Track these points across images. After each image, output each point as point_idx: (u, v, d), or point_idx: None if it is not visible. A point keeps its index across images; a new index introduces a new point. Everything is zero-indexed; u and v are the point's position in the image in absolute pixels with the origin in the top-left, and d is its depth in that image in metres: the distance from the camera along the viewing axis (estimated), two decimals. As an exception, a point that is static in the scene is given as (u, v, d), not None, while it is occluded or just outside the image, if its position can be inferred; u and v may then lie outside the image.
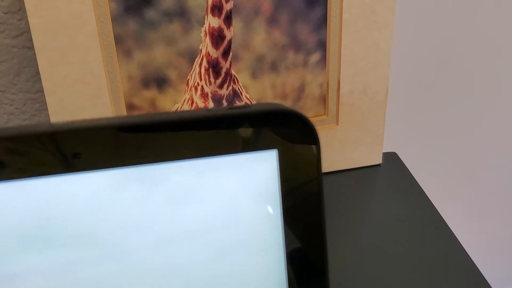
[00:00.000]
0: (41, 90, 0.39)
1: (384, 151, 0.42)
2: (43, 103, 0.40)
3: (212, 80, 0.36)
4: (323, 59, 0.38)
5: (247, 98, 0.37)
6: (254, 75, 0.37)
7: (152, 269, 0.19)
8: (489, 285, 0.32)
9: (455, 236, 0.35)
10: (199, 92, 0.36)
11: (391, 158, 0.43)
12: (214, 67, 0.36)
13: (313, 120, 0.39)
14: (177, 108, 0.36)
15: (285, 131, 0.19)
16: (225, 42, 0.35)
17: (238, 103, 0.37)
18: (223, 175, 0.19)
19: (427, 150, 0.58)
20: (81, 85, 0.34)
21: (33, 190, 0.18)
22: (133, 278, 0.19)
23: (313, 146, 0.20)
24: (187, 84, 0.36)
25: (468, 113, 0.56)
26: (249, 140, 0.19)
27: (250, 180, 0.19)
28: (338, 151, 0.40)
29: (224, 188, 0.19)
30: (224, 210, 0.20)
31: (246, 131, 0.19)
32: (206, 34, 0.35)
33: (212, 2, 0.34)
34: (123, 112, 0.36)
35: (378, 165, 0.41)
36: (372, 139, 0.40)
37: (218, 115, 0.19)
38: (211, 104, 0.37)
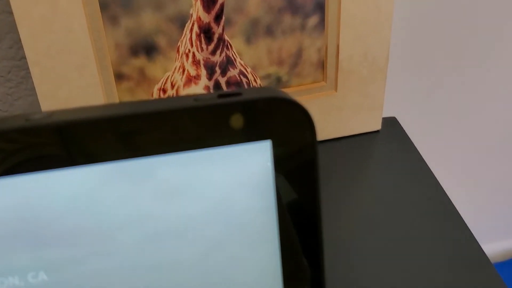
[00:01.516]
0: (26, 57, 0.38)
1: (383, 116, 0.41)
2: (29, 70, 0.38)
3: (204, 46, 0.34)
4: (322, 23, 0.36)
5: (241, 65, 0.36)
6: (248, 40, 0.35)
7: (142, 267, 0.19)
8: (488, 259, 0.31)
9: (452, 204, 0.34)
10: (190, 59, 0.35)
11: (391, 124, 0.41)
12: (206, 33, 0.34)
13: (311, 86, 0.37)
14: (168, 77, 0.35)
15: (279, 120, 0.18)
16: (217, 6, 0.33)
17: (231, 70, 0.36)
18: (213, 168, 0.18)
19: (427, 114, 0.56)
20: (66, 55, 0.32)
21: (13, 189, 0.17)
22: (122, 276, 0.19)
23: (309, 136, 0.19)
24: (178, 51, 0.34)
25: (470, 77, 0.54)
26: (241, 131, 0.18)
27: (242, 173, 0.18)
28: (336, 118, 0.39)
29: (215, 182, 0.18)
30: (215, 205, 0.19)
31: (237, 122, 0.18)
32: (196, -2, 0.33)
33: (203, -36, 0.32)
34: (111, 81, 0.34)
35: (377, 131, 0.40)
36: (372, 105, 0.39)
37: (206, 106, 0.17)
38: (203, 72, 0.35)
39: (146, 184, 0.18)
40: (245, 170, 0.18)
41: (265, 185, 0.19)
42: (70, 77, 0.33)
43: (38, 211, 0.17)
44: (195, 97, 0.18)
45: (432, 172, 0.37)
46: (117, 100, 0.35)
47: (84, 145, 0.17)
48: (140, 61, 0.34)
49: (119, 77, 0.34)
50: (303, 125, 0.18)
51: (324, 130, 0.39)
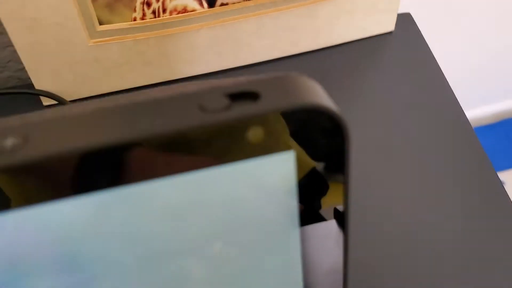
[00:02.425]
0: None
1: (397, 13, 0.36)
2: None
3: None
4: None
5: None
6: None
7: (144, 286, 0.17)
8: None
9: (459, 104, 0.32)
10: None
11: (405, 22, 0.37)
12: None
13: (318, -11, 0.32)
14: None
15: (306, 129, 0.15)
16: None
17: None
18: (227, 185, 0.15)
19: (442, 8, 0.51)
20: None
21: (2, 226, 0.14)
22: (130, 297, 0.17)
23: (341, 145, 0.15)
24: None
25: None
26: (259, 143, 0.15)
27: (262, 188, 0.16)
28: (346, 22, 0.34)
29: (230, 199, 0.16)
30: (233, 222, 0.16)
31: (255, 135, 0.15)
32: None
33: None
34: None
35: (390, 32, 0.36)
36: (386, 5, 0.34)
37: (216, 122, 0.14)
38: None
39: (152, 206, 0.15)
40: (265, 185, 0.16)
41: (287, 200, 0.16)
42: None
43: (32, 245, 0.15)
44: (201, 103, 0.15)
45: (445, 78, 0.34)
46: (94, 18, 0.30)
47: (73, 175, 0.14)
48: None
49: (94, -9, 0.29)
50: (334, 134, 0.15)
51: (332, 34, 0.35)
